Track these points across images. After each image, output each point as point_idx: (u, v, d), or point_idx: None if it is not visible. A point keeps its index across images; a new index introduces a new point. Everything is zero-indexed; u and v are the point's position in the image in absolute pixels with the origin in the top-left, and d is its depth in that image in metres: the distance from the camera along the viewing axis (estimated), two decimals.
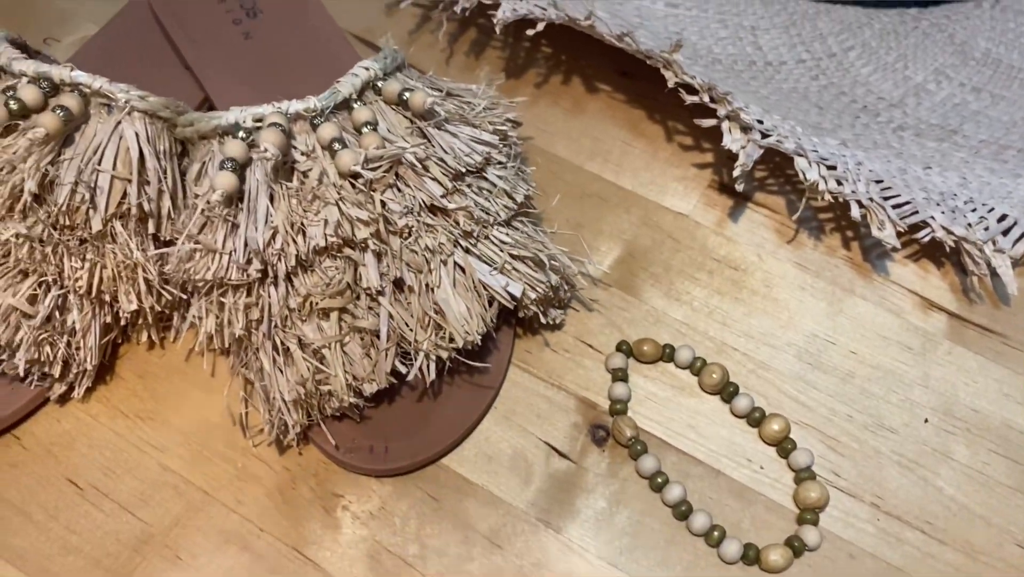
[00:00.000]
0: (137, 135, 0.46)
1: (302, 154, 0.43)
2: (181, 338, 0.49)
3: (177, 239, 0.47)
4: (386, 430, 0.45)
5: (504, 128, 0.48)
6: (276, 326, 0.43)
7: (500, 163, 0.47)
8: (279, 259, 0.42)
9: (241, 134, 0.43)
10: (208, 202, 0.42)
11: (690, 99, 0.52)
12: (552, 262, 0.46)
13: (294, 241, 0.41)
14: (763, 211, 0.56)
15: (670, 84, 0.52)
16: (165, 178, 0.47)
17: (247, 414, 0.46)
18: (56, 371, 0.43)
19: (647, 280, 0.53)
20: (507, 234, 0.46)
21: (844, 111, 0.61)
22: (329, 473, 0.45)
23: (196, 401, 0.47)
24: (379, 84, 0.47)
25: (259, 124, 0.44)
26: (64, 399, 0.46)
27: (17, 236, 0.41)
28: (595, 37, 0.56)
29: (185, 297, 0.46)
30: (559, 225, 0.54)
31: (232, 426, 0.46)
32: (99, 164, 0.44)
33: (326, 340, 0.42)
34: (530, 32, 0.54)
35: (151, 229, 0.46)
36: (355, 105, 0.45)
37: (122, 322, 0.46)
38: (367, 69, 0.47)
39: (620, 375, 0.48)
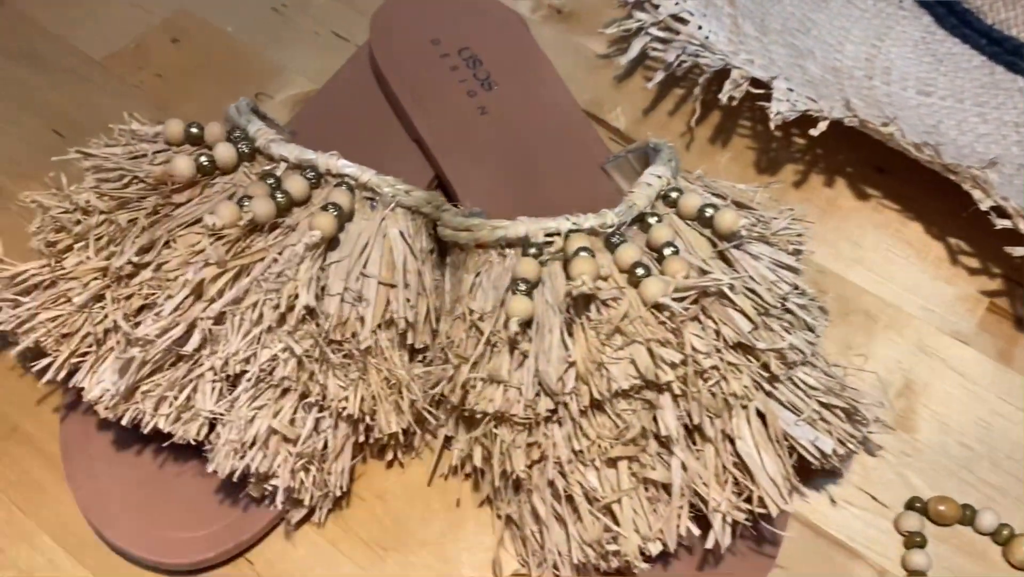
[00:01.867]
0: (401, 234, 0.41)
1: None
2: (427, 457, 0.44)
3: (428, 347, 0.42)
4: None
5: (802, 248, 0.43)
6: (558, 471, 0.37)
7: (799, 291, 0.41)
8: (572, 398, 0.37)
9: (532, 251, 0.39)
10: (504, 331, 0.37)
11: (1001, 223, 0.46)
12: (863, 412, 0.40)
13: (592, 380, 0.36)
14: None
15: (983, 206, 0.46)
16: (423, 280, 0.42)
17: (498, 555, 0.41)
18: (306, 498, 0.39)
19: (932, 421, 0.47)
20: (810, 375, 0.40)
21: None
22: None
23: (440, 530, 0.42)
24: (672, 195, 0.41)
25: (550, 240, 0.39)
26: (301, 522, 0.41)
27: (285, 351, 0.37)
28: (876, 139, 0.50)
29: (443, 419, 0.42)
30: (824, 345, 0.49)
31: (482, 566, 0.41)
32: (365, 269, 0.40)
33: (618, 493, 0.37)
34: (813, 132, 0.48)
35: (409, 340, 0.41)
36: (652, 221, 0.40)
37: (371, 442, 0.41)
38: (659, 177, 0.42)
39: (917, 540, 0.42)
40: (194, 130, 0.42)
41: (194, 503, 0.40)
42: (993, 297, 0.51)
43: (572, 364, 0.37)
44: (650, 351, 0.36)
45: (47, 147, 0.54)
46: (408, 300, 0.41)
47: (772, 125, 0.49)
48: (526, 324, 0.37)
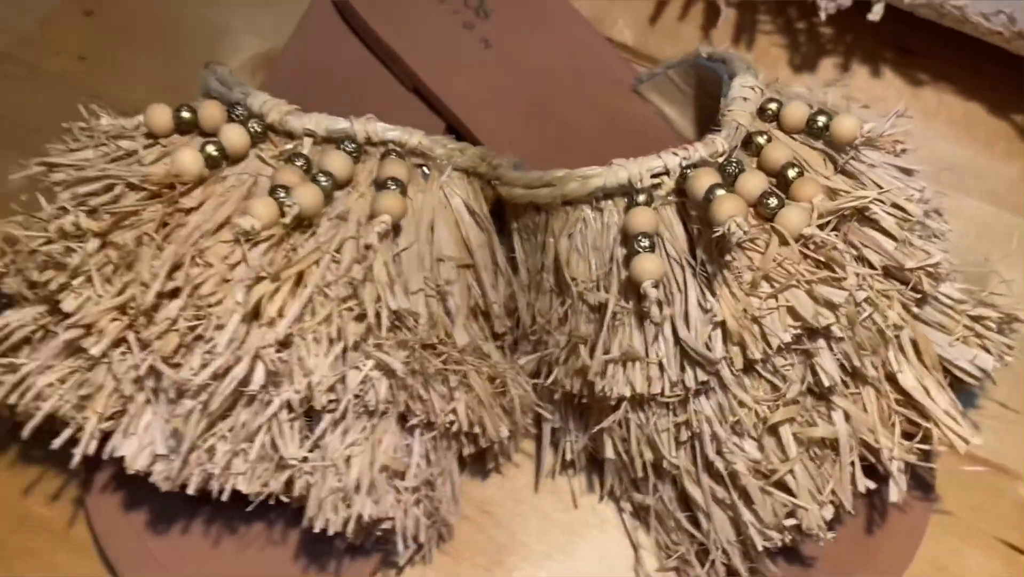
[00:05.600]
0: (464, 203, 0.35)
1: None
2: (521, 458, 0.38)
3: (507, 332, 0.36)
4: (815, 558, 0.35)
5: (907, 148, 0.38)
6: (716, 449, 0.32)
7: (923, 196, 0.37)
8: (722, 365, 0.31)
9: (641, 198, 0.32)
10: (628, 299, 0.31)
11: None
12: (1018, 315, 0.36)
13: (747, 339, 0.31)
14: None
15: None
16: (496, 254, 0.36)
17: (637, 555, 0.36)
18: (423, 536, 0.32)
19: None
20: (953, 288, 0.36)
21: None
22: None
23: (562, 537, 0.36)
24: (770, 108, 0.36)
25: (657, 181, 0.33)
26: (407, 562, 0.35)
27: (378, 368, 0.30)
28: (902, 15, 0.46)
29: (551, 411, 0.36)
30: None
31: (620, 569, 0.36)
32: (437, 251, 0.33)
33: (789, 462, 0.32)
34: (871, 17, 0.43)
35: (496, 328, 0.35)
36: (761, 141, 0.34)
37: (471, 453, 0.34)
38: (754, 89, 0.36)
39: None
40: (185, 114, 0.34)
41: (278, 566, 0.33)
42: None
43: (719, 324, 0.31)
44: (810, 293, 0.31)
45: None
46: (485, 280, 0.34)
47: (822, 15, 0.43)
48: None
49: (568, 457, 0.36)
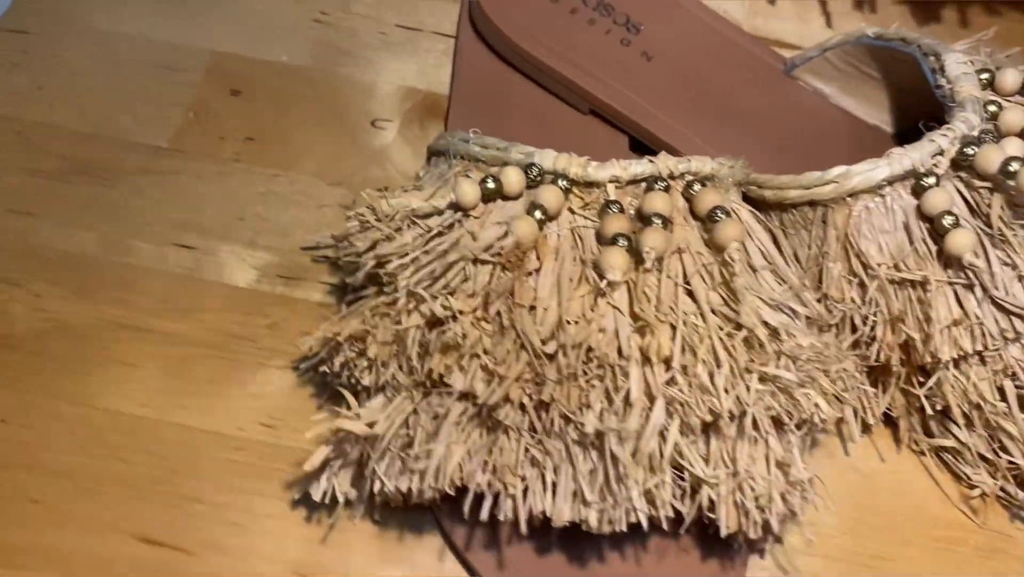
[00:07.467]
0: (751, 213, 0.38)
1: None
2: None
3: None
4: None
5: None
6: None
7: None
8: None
9: (930, 180, 0.36)
10: (943, 271, 0.35)
11: None
12: None
13: None
14: None
15: None
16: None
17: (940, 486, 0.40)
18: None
19: None
20: None
21: None
22: None
23: (894, 497, 0.40)
24: (983, 76, 0.40)
25: (935, 161, 0.37)
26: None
27: (765, 381, 0.33)
28: None
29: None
30: None
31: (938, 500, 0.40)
32: (759, 262, 0.36)
33: None
34: None
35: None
36: (992, 108, 0.38)
37: None
38: (968, 63, 0.40)
39: None
40: (491, 185, 0.36)
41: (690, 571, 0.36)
42: None
43: (1022, 278, 0.35)
44: None
45: (184, 268, 0.45)
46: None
47: None
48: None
49: (870, 421, 0.40)
